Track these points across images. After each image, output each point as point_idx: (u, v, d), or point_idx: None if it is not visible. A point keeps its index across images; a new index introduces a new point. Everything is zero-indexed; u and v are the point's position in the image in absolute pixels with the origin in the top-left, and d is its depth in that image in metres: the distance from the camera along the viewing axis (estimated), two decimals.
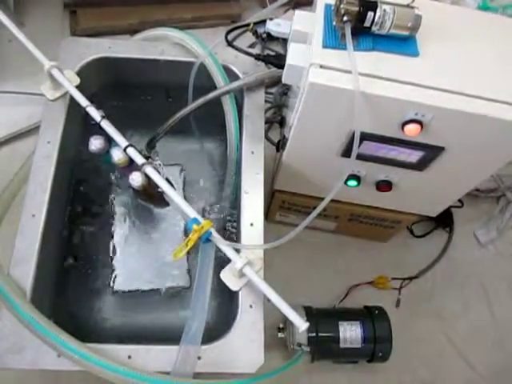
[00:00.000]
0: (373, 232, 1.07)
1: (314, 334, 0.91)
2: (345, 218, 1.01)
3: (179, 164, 0.95)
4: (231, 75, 0.82)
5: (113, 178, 0.89)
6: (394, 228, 1.04)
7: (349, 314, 0.96)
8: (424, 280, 1.11)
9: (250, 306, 0.66)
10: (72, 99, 0.77)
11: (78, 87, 0.75)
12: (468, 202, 1.15)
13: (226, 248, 0.64)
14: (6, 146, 1.14)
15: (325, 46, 0.61)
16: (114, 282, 0.84)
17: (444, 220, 1.15)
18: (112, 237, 0.87)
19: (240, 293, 0.67)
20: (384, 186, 0.80)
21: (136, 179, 0.69)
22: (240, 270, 0.63)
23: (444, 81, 0.60)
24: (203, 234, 0.63)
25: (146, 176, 0.70)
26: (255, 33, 0.77)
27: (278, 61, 0.69)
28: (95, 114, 0.71)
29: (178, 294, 0.87)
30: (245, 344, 0.64)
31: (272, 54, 0.73)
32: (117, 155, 0.71)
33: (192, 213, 0.65)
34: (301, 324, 0.60)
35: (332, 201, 0.96)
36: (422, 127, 0.62)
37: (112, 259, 0.86)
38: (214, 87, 0.80)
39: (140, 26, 1.27)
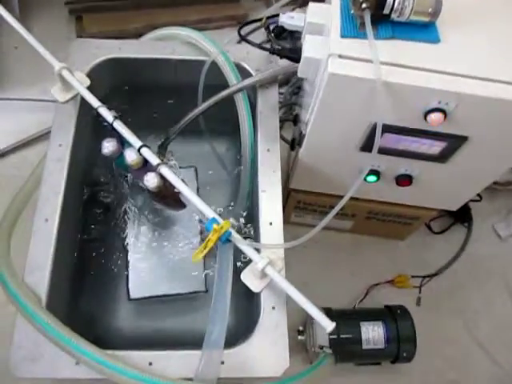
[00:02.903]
0: (390, 230, 1.05)
1: (336, 336, 0.88)
2: (362, 215, 0.99)
3: (193, 166, 0.93)
4: (243, 73, 0.80)
5: (126, 181, 0.87)
6: (412, 225, 1.01)
7: (370, 314, 0.93)
8: (444, 277, 1.08)
9: (273, 308, 0.64)
10: (83, 101, 0.75)
11: (89, 89, 0.74)
12: (486, 196, 1.13)
13: (247, 248, 0.62)
14: (14, 153, 1.13)
15: (343, 36, 0.59)
16: (129, 289, 0.82)
17: (462, 215, 1.12)
18: (126, 242, 0.85)
19: (261, 294, 0.65)
20: (404, 180, 0.78)
21: (151, 180, 0.67)
22: (262, 271, 0.61)
23: (468, 67, 0.58)
24: (223, 234, 0.61)
25: (162, 177, 0.68)
26: (267, 28, 0.76)
27: (294, 54, 0.67)
28: (107, 114, 0.70)
29: (195, 298, 0.84)
30: (269, 347, 0.61)
31: (287, 47, 0.71)
32: (130, 156, 0.69)
33: (210, 213, 0.63)
34: (328, 324, 0.58)
35: (349, 198, 0.94)
36: (445, 116, 0.60)
37: (127, 265, 0.84)
38: (226, 86, 0.79)
39: (146, 29, 1.24)
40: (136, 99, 0.87)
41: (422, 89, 0.58)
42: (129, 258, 0.84)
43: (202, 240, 0.88)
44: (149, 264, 0.84)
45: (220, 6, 1.34)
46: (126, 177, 0.86)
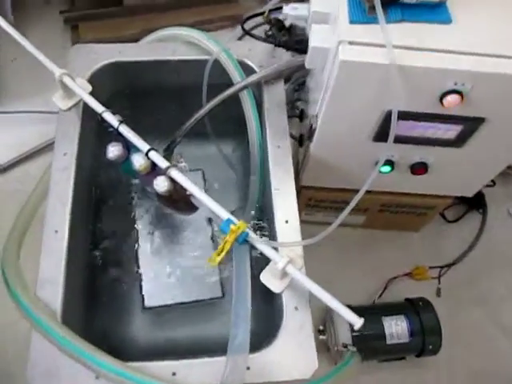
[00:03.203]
0: (404, 221, 1.02)
1: (359, 333, 0.86)
2: (375, 209, 0.97)
3: (200, 169, 0.91)
4: (247, 69, 0.78)
5: (133, 187, 0.85)
6: (426, 215, 0.99)
7: (391, 309, 0.91)
8: (463, 266, 1.06)
9: (296, 308, 0.62)
10: (86, 107, 0.73)
11: (91, 95, 0.72)
12: (499, 181, 1.10)
13: (265, 247, 0.60)
14: (16, 167, 1.11)
15: (352, 22, 0.57)
16: (144, 297, 0.79)
17: (476, 202, 1.10)
18: (137, 250, 0.83)
19: (283, 295, 0.63)
20: (419, 168, 0.76)
21: (161, 184, 0.65)
22: (282, 270, 0.59)
23: (482, 45, 0.56)
24: (240, 234, 0.59)
25: (172, 180, 0.66)
26: (270, 21, 0.74)
27: (300, 45, 0.65)
28: (112, 119, 0.68)
29: (212, 304, 0.82)
30: (295, 349, 0.59)
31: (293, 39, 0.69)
32: (138, 161, 0.67)
33: (225, 214, 0.61)
34: (356, 320, 0.56)
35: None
36: (462, 98, 0.58)
37: (140, 274, 0.81)
38: (230, 84, 0.77)
39: (143, 35, 1.22)
40: (139, 103, 0.85)
41: (437, 70, 0.56)
42: (141, 266, 0.82)
43: (214, 243, 0.86)
44: (162, 272, 0.82)
45: (217, 7, 1.33)
46: (134, 183, 0.84)
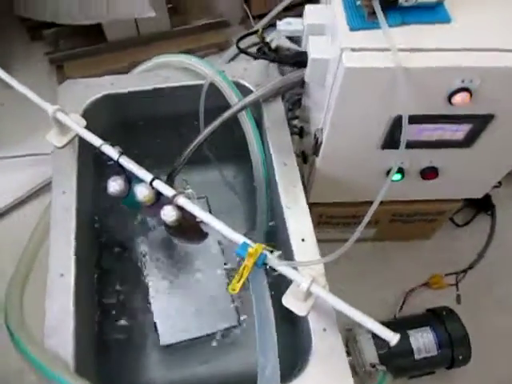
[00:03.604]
0: (416, 230, 1.00)
1: (385, 351, 0.82)
2: (386, 220, 0.95)
3: (203, 196, 0.88)
4: (243, 90, 0.76)
5: (137, 221, 0.82)
6: (437, 221, 0.97)
7: (415, 322, 0.88)
8: (479, 269, 1.03)
9: (324, 330, 0.58)
10: (82, 142, 0.71)
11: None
12: (505, 181, 1.09)
13: (286, 269, 0.57)
14: (13, 212, 1.07)
15: (352, 29, 0.56)
16: (158, 336, 0.75)
17: (484, 204, 1.08)
18: (147, 286, 0.79)
19: (308, 317, 0.59)
20: (430, 173, 0.74)
21: (169, 214, 0.62)
22: (307, 291, 0.56)
23: (486, 40, 0.55)
24: (258, 257, 0.56)
25: (179, 208, 0.63)
26: (263, 40, 0.73)
27: (298, 59, 0.64)
28: (112, 151, 0.65)
29: (229, 333, 0.78)
30: (329, 374, 0.55)
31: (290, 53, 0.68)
32: (142, 192, 0.64)
33: (240, 237, 0.58)
34: (391, 337, 0.53)
35: (371, 203, 0.90)
36: (470, 95, 0.57)
37: (152, 311, 0.77)
38: (227, 107, 0.75)
39: (130, 68, 1.23)
40: (135, 134, 0.83)
41: (443, 69, 0.55)
42: (152, 303, 0.77)
43: (226, 271, 0.83)
44: (174, 305, 0.78)
45: (201, 35, 1.33)
46: (137, 216, 0.81)
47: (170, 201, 0.63)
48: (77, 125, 0.68)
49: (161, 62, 0.80)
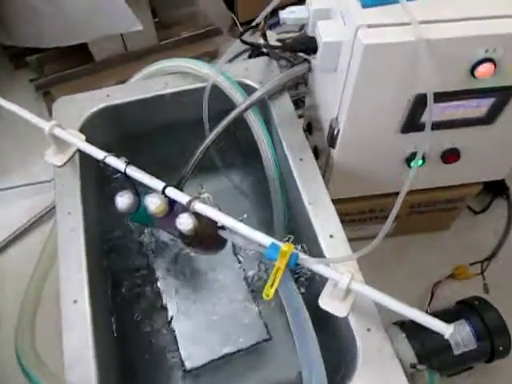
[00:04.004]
0: (434, 221, 0.97)
1: (422, 349, 0.77)
2: (404, 212, 0.91)
3: (215, 204, 0.84)
4: (247, 89, 0.73)
5: (148, 238, 0.77)
6: (456, 209, 0.94)
7: (447, 315, 0.83)
8: (503, 255, 1.00)
9: (368, 330, 0.54)
10: (83, 159, 0.67)
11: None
12: None
13: (322, 267, 0.52)
14: (10, 247, 1.02)
15: (364, 6, 0.53)
16: (183, 361, 0.69)
17: (498, 187, 1.05)
18: (165, 306, 0.74)
19: (349, 318, 0.55)
20: (451, 155, 0.71)
21: (185, 222, 0.58)
22: (347, 289, 0.51)
23: (507, 7, 0.53)
24: (290, 257, 0.51)
25: (196, 215, 0.58)
26: (264, 35, 0.70)
27: (307, 45, 0.60)
28: (118, 162, 0.61)
29: (259, 349, 0.73)
30: (381, 376, 0.50)
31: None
32: (153, 203, 0.60)
33: (267, 239, 0.54)
34: (445, 328, 0.48)
35: (388, 196, 0.86)
36: (494, 66, 0.54)
37: (173, 333, 0.72)
38: (231, 109, 0.71)
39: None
40: (137, 146, 0.78)
41: (466, 39, 0.52)
42: (173, 325, 0.72)
43: (245, 279, 0.78)
44: (196, 324, 0.73)
45: (191, 46, 1.30)
46: (147, 231, 0.76)
47: (184, 208, 0.58)
48: (77, 138, 0.64)
49: (157, 69, 0.77)
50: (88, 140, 0.68)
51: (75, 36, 1.13)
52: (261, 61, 0.77)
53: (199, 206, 0.57)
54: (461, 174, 0.79)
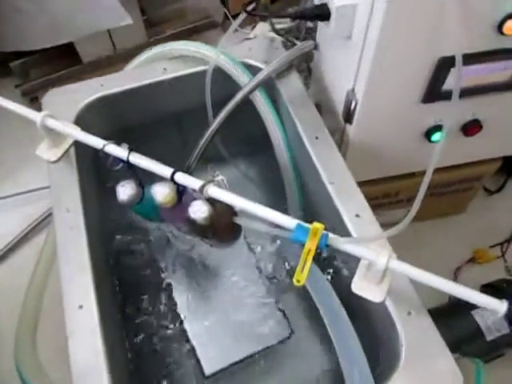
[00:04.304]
0: (450, 204, 0.92)
1: (451, 336, 0.73)
2: None
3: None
4: (252, 70, 0.68)
5: (153, 234, 0.71)
6: (472, 189, 0.90)
7: None
8: None
9: (409, 314, 0.49)
10: (79, 151, 0.61)
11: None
12: None
13: (355, 247, 0.47)
14: (4, 261, 0.95)
15: None
16: (202, 365, 0.63)
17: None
18: (177, 308, 0.68)
19: (386, 303, 0.49)
20: (472, 127, 0.67)
21: (200, 210, 0.52)
22: (385, 269, 0.46)
23: None
24: (320, 238, 0.46)
25: (210, 202, 0.53)
26: (266, 6, 0.65)
27: (320, 12, 0.56)
28: (119, 150, 0.55)
29: (280, 348, 0.67)
30: (429, 364, 0.45)
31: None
32: (161, 192, 0.54)
33: (292, 221, 0.49)
34: (499, 305, 0.44)
35: (403, 177, 0.82)
36: None
37: (188, 337, 0.66)
38: (234, 94, 0.66)
39: None
40: (136, 138, 0.72)
41: None
42: (186, 326, 0.66)
43: (260, 272, 0.72)
44: (212, 326, 0.67)
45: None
46: (152, 226, 0.70)
47: (198, 194, 0.53)
48: (72, 128, 0.58)
49: (155, 54, 0.71)
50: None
51: (61, 35, 1.08)
52: (264, 40, 0.72)
53: (214, 191, 0.52)
54: (481, 148, 0.75)
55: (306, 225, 0.48)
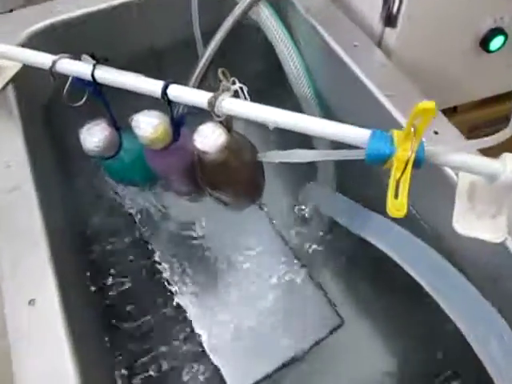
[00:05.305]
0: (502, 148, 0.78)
1: None
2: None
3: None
4: None
5: (137, 206, 0.52)
6: None
7: None
8: None
9: None
10: (23, 83, 0.42)
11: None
12: None
13: (467, 157, 0.31)
14: None
15: None
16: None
17: None
18: (184, 314, 0.48)
19: (508, 242, 0.33)
20: None
21: (213, 133, 0.34)
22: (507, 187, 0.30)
23: None
24: (418, 146, 0.29)
25: (226, 127, 0.35)
26: None
27: None
28: (79, 66, 0.37)
29: (327, 341, 0.49)
30: None
31: None
32: (151, 124, 0.36)
33: (363, 130, 0.31)
34: None
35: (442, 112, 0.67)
36: None
37: (205, 350, 0.47)
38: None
39: None
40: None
41: None
42: (201, 335, 0.47)
43: (285, 241, 0.54)
44: (234, 330, 0.48)
45: None
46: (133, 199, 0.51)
47: (209, 111, 0.35)
48: (13, 46, 0.40)
49: None
50: None
51: None
52: None
53: (229, 103, 0.34)
54: None
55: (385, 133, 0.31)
